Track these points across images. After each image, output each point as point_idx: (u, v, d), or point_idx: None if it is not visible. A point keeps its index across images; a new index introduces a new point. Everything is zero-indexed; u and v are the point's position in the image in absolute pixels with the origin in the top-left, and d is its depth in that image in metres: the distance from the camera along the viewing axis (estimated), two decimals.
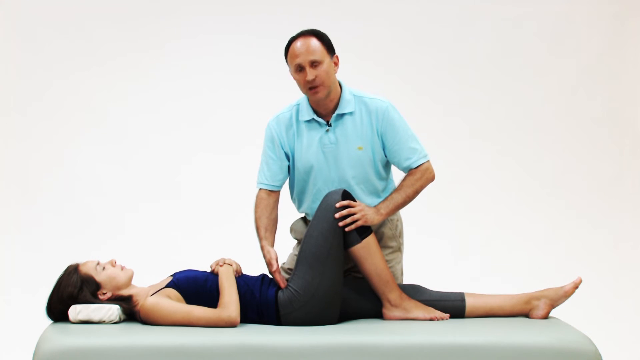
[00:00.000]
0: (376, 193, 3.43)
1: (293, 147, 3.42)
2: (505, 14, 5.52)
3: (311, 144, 3.38)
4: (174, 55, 5.43)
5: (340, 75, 3.41)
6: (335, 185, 3.38)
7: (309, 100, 3.39)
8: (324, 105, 3.35)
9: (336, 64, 3.34)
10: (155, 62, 5.41)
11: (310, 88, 3.28)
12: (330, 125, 3.37)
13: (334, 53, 3.33)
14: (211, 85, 5.43)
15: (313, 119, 3.38)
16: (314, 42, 3.27)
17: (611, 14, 5.52)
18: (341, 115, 3.36)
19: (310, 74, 3.25)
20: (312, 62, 3.25)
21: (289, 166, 3.46)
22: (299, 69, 3.27)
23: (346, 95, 3.37)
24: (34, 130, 5.31)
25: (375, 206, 3.33)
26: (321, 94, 3.29)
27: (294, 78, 3.33)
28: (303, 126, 3.40)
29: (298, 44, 3.28)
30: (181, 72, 5.42)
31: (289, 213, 3.59)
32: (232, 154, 5.37)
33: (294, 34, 3.34)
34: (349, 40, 5.36)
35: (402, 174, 3.43)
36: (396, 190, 3.38)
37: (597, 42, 5.52)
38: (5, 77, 5.31)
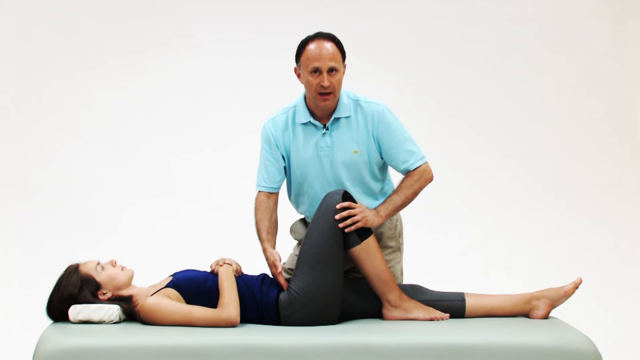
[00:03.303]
0: (373, 195, 3.43)
1: (289, 149, 3.42)
2: (505, 14, 5.52)
3: (307, 147, 3.38)
4: (173, 55, 5.42)
5: None
6: (332, 188, 3.37)
7: (306, 101, 3.38)
8: (323, 108, 3.35)
9: (344, 72, 3.34)
10: (155, 62, 5.40)
11: (321, 94, 3.27)
12: (327, 129, 3.36)
13: (345, 61, 3.33)
14: (210, 85, 5.43)
15: (310, 121, 3.37)
16: (334, 47, 3.26)
17: (611, 14, 5.52)
18: (338, 119, 3.36)
19: (327, 80, 3.24)
20: (331, 68, 3.24)
21: (285, 167, 3.46)
22: (316, 72, 3.25)
23: (344, 99, 3.36)
24: (33, 130, 5.31)
25: (375, 208, 3.33)
26: (330, 102, 3.29)
27: (304, 79, 3.30)
28: (299, 129, 3.39)
29: (318, 46, 3.24)
30: (180, 72, 5.42)
31: (288, 214, 3.60)
32: (232, 153, 5.37)
33: (305, 37, 3.31)
34: (349, 40, 5.34)
35: (400, 175, 3.43)
36: (395, 192, 3.38)
37: (597, 42, 5.52)
38: (5, 77, 5.31)
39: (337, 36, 3.32)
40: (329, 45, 3.25)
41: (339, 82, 3.28)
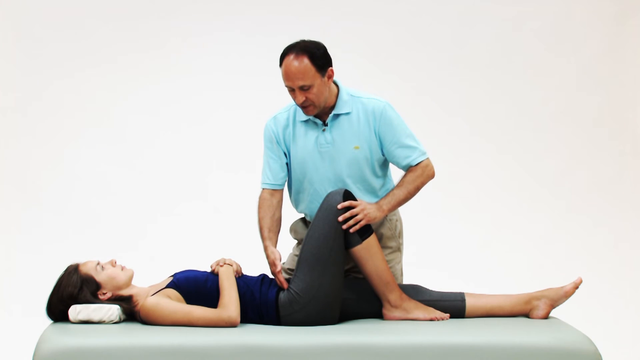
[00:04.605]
0: (373, 192, 3.43)
1: (289, 146, 3.43)
2: (505, 14, 5.52)
3: (307, 144, 3.39)
4: (174, 55, 5.43)
5: (340, 74, 3.41)
6: (332, 185, 3.38)
7: None
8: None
9: (330, 77, 3.30)
10: (156, 62, 5.40)
11: (301, 106, 3.29)
12: (327, 125, 3.37)
13: (329, 66, 3.28)
14: (212, 85, 5.43)
15: (310, 119, 3.38)
16: (305, 64, 3.21)
17: (611, 14, 5.52)
18: (337, 116, 3.37)
19: (300, 97, 3.25)
20: (301, 87, 3.24)
21: (287, 164, 3.46)
22: (290, 89, 3.28)
23: (343, 95, 3.37)
24: (34, 130, 5.31)
25: (377, 202, 3.33)
26: (311, 112, 3.31)
27: None
28: (300, 126, 3.41)
29: (289, 62, 3.22)
30: (181, 72, 5.42)
31: (289, 213, 3.60)
32: (233, 153, 5.37)
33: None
34: (349, 40, 5.37)
35: (401, 173, 3.44)
36: (397, 186, 3.39)
37: (597, 42, 5.52)
38: (5, 77, 5.31)
39: (316, 46, 3.25)
40: (299, 62, 3.21)
41: (317, 94, 3.26)
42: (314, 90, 3.25)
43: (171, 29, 5.43)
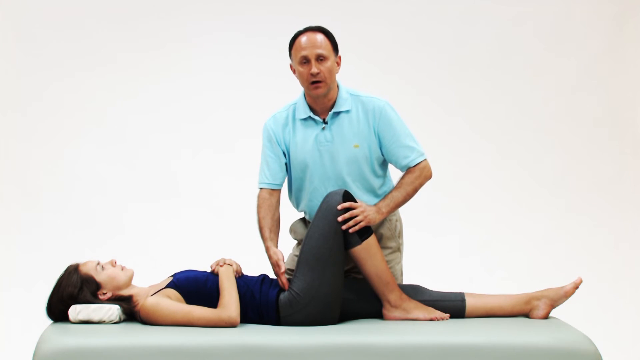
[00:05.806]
0: (372, 191, 3.43)
1: (289, 145, 3.43)
2: (505, 14, 5.52)
3: (307, 142, 3.39)
4: (174, 55, 5.43)
5: (341, 75, 3.43)
6: (332, 183, 3.38)
7: (306, 97, 3.40)
8: (321, 103, 3.37)
9: (338, 64, 3.37)
10: (156, 62, 5.40)
11: (312, 82, 3.29)
12: (327, 123, 3.37)
13: (338, 53, 3.36)
14: (211, 85, 5.43)
15: (309, 116, 3.39)
16: (322, 37, 3.31)
17: (611, 14, 5.52)
18: (337, 113, 3.38)
19: (315, 67, 3.27)
20: (318, 55, 3.28)
21: (286, 163, 3.46)
22: (304, 61, 3.29)
23: (343, 94, 3.38)
24: (34, 130, 5.31)
25: (375, 205, 3.33)
26: (322, 90, 3.30)
27: (297, 71, 3.34)
28: (299, 124, 3.41)
29: (305, 37, 3.31)
30: (181, 72, 5.42)
31: (288, 214, 3.60)
32: (232, 153, 5.37)
33: (294, 33, 3.36)
34: (349, 40, 5.35)
35: (399, 173, 3.44)
36: (396, 188, 3.39)
37: (597, 42, 5.52)
38: (5, 77, 5.31)
39: (329, 30, 3.36)
40: (316, 35, 3.31)
41: (330, 71, 3.30)
42: (328, 64, 3.29)
43: (171, 29, 5.43)
